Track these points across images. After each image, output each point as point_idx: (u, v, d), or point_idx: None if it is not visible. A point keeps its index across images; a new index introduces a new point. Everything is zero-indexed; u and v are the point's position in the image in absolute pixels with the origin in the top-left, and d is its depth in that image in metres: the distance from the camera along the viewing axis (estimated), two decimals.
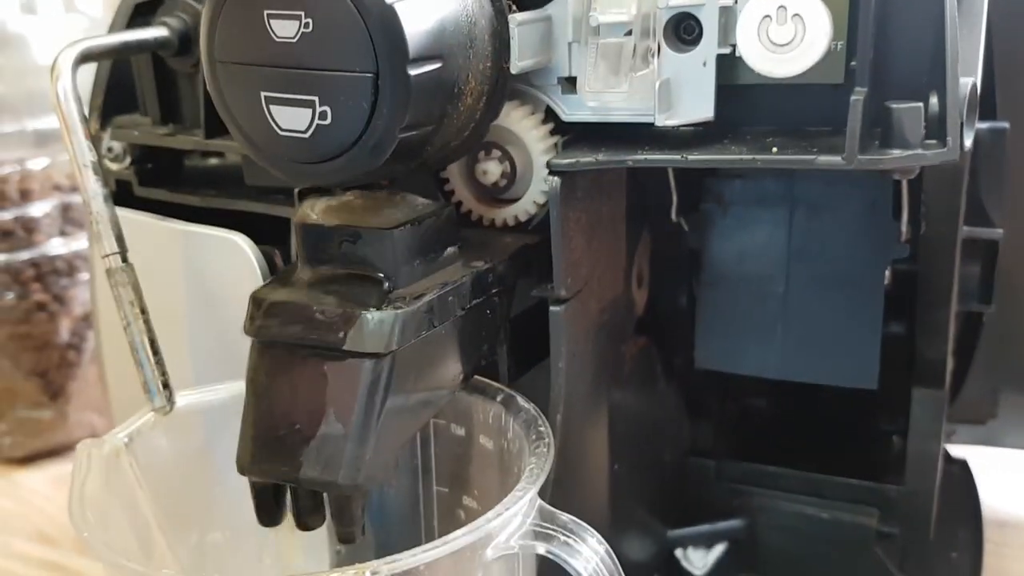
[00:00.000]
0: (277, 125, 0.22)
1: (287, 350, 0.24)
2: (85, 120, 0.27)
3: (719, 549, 0.41)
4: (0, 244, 0.63)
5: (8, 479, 0.66)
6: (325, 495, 0.24)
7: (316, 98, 0.21)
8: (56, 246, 0.64)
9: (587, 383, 0.30)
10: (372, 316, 0.23)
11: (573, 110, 0.26)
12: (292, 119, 0.22)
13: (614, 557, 0.23)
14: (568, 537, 0.23)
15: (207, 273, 0.30)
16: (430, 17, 0.21)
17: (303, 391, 0.23)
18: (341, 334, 0.23)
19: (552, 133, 0.27)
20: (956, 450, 0.54)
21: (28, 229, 0.63)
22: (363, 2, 0.20)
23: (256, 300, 0.24)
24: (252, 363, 0.24)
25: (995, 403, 0.56)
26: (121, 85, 0.35)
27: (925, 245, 0.31)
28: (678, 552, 0.40)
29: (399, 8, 0.21)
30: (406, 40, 0.21)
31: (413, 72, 0.21)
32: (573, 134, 0.27)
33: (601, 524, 0.30)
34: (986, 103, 0.35)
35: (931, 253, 0.32)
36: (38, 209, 0.61)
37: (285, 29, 0.21)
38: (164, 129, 0.33)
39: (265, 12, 0.21)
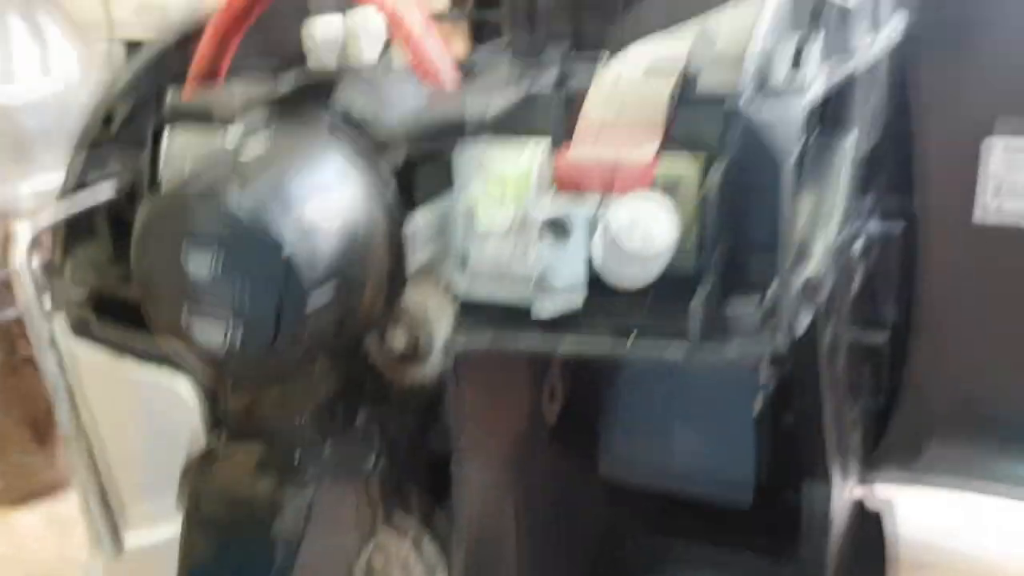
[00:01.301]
0: (198, 339, 0.25)
1: (215, 525, 0.26)
2: (41, 293, 0.29)
3: None
4: None
5: (5, 521, 0.69)
6: None
7: (229, 318, 0.24)
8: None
9: (493, 510, 0.32)
10: (287, 500, 0.26)
11: (468, 290, 0.28)
12: (209, 334, 0.24)
13: None
14: None
15: (152, 416, 0.32)
16: (325, 249, 0.24)
17: (228, 556, 0.26)
18: (265, 517, 0.26)
19: (454, 307, 0.29)
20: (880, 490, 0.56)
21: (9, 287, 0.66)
22: (264, 245, 0.23)
23: (184, 475, 0.27)
24: (184, 533, 0.27)
25: (919, 447, 0.59)
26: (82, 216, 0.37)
27: (794, 393, 0.34)
28: None
29: (295, 249, 0.23)
30: (301, 275, 0.23)
31: (311, 298, 0.24)
32: (467, 310, 0.29)
33: None
34: None
35: (797, 387, 0.35)
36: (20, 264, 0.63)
37: (199, 266, 0.24)
38: (117, 269, 0.35)
39: (181, 251, 0.24)
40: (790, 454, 0.39)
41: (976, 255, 0.52)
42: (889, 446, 0.58)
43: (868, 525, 0.55)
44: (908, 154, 0.50)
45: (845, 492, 0.46)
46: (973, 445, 0.58)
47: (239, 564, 0.26)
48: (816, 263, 0.30)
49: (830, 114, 0.32)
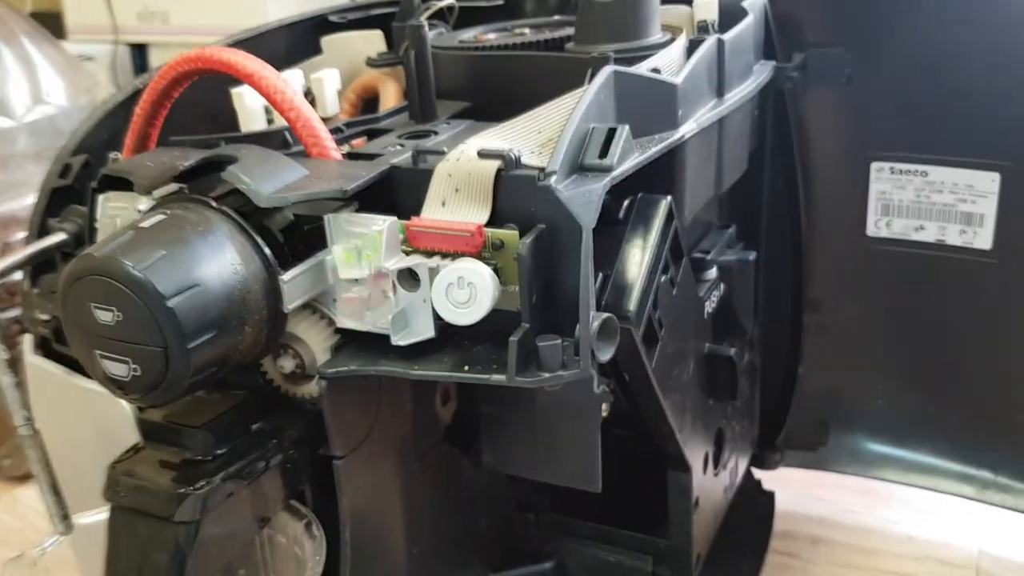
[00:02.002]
0: (107, 372, 0.31)
1: (131, 512, 0.33)
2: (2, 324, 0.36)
3: None
4: None
5: (11, 496, 0.75)
6: None
7: (129, 359, 0.30)
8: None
9: (377, 500, 0.39)
10: (186, 495, 0.32)
11: (340, 323, 0.34)
12: (116, 369, 0.30)
13: None
14: None
15: (96, 422, 0.38)
16: (204, 302, 0.30)
17: (140, 542, 0.32)
18: (167, 507, 0.32)
19: (334, 333, 0.35)
20: (786, 473, 0.62)
21: (11, 292, 0.72)
22: (151, 303, 0.29)
23: (110, 471, 0.33)
24: (110, 517, 0.33)
25: (825, 433, 0.65)
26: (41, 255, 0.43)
27: (631, 391, 0.40)
28: None
29: (177, 306, 0.29)
30: (183, 327, 0.29)
31: (192, 344, 0.30)
32: (347, 335, 0.35)
33: None
34: None
35: (638, 398, 0.40)
36: (18, 274, 0.70)
37: (104, 317, 0.30)
38: None
39: (90, 304, 0.30)
40: (653, 446, 0.45)
41: (866, 266, 0.58)
42: (790, 437, 0.64)
43: (763, 504, 0.61)
44: (787, 179, 0.56)
45: (723, 476, 0.52)
46: (869, 436, 0.64)
47: (148, 542, 0.32)
48: (633, 300, 0.36)
49: (652, 177, 0.37)
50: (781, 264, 0.57)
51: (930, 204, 0.55)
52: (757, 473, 0.63)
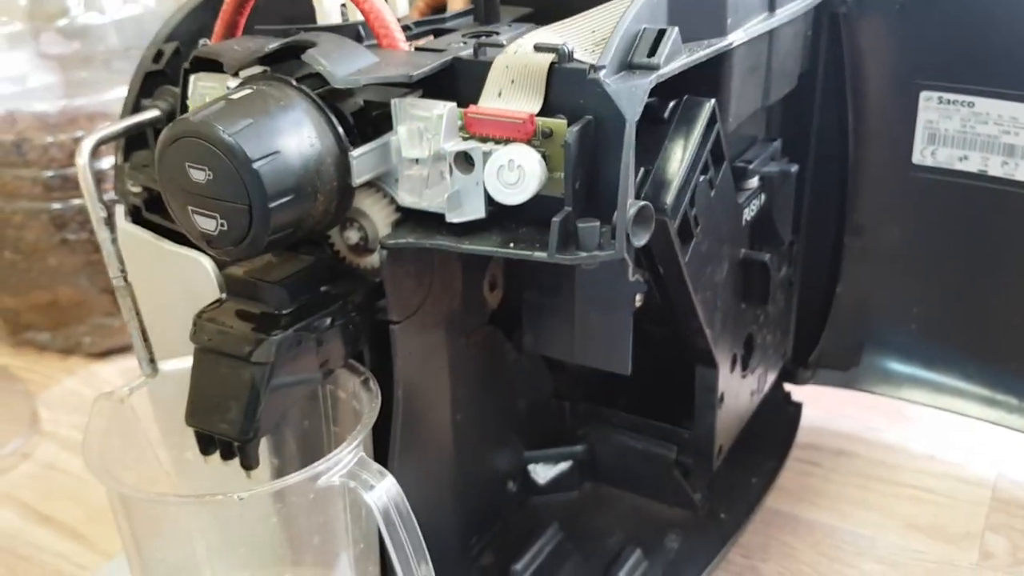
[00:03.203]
0: (198, 226, 0.35)
1: (214, 353, 0.37)
2: (98, 186, 0.40)
3: (563, 465, 0.55)
4: (77, 193, 0.78)
5: (88, 370, 0.82)
6: None
7: (218, 215, 0.34)
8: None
9: (427, 366, 0.43)
10: (262, 340, 0.36)
11: (400, 201, 0.38)
12: (206, 224, 0.35)
13: (402, 496, 0.37)
14: (371, 478, 0.36)
15: (182, 281, 0.43)
16: (284, 169, 0.34)
17: (221, 379, 0.37)
18: (246, 349, 0.36)
19: (395, 211, 0.39)
20: (817, 391, 0.65)
21: (97, 180, 0.78)
22: (239, 165, 0.33)
23: (196, 319, 0.38)
24: (194, 357, 0.38)
25: (858, 354, 0.68)
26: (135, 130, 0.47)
27: (665, 285, 0.43)
28: (530, 466, 0.54)
29: (261, 169, 0.33)
30: (266, 188, 0.33)
31: (272, 205, 0.34)
32: (406, 214, 0.39)
33: (445, 453, 0.44)
34: None
35: (671, 292, 0.44)
36: (105, 163, 0.75)
37: (197, 176, 0.34)
38: None
39: (185, 163, 0.34)
40: (684, 342, 0.49)
41: (910, 193, 0.60)
42: (823, 356, 0.66)
43: (790, 412, 0.64)
44: (837, 101, 0.58)
45: (750, 379, 0.56)
46: (900, 358, 0.66)
47: (226, 384, 0.36)
48: (671, 193, 0.39)
49: (699, 82, 0.40)
50: (826, 185, 0.59)
51: (975, 135, 0.57)
52: (787, 389, 0.66)
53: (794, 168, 0.51)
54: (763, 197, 0.50)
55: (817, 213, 0.60)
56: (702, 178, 0.41)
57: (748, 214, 0.49)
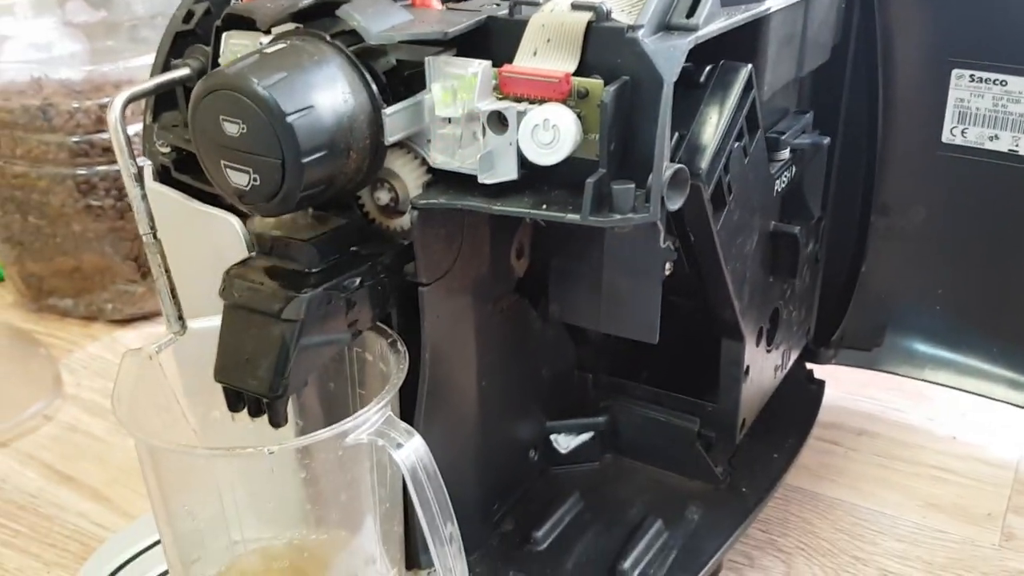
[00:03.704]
0: (230, 181, 0.35)
1: (243, 309, 0.37)
2: (129, 143, 0.40)
3: (585, 436, 0.54)
4: (103, 159, 0.78)
5: (111, 336, 0.82)
6: None
7: (251, 169, 0.34)
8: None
9: (454, 331, 0.42)
10: (293, 297, 0.36)
11: (432, 161, 0.38)
12: (238, 179, 0.34)
13: (430, 456, 0.37)
14: (399, 436, 0.36)
15: (210, 240, 0.43)
16: (318, 124, 0.34)
17: (250, 336, 0.37)
18: (276, 306, 0.36)
19: (426, 173, 0.39)
20: (839, 371, 0.64)
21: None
22: (273, 119, 0.33)
23: (225, 275, 0.38)
24: (223, 314, 0.38)
25: (881, 335, 0.67)
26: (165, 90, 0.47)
27: (695, 253, 0.43)
28: (552, 436, 0.54)
29: (295, 123, 0.33)
30: (299, 143, 0.33)
31: (305, 160, 0.33)
32: (437, 175, 0.38)
33: (470, 418, 0.44)
34: None
35: (701, 261, 0.43)
36: (131, 130, 0.75)
37: (230, 128, 0.33)
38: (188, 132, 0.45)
39: (219, 116, 0.33)
40: (711, 314, 0.48)
41: (938, 172, 0.59)
42: (846, 335, 0.66)
43: (813, 390, 0.64)
44: (868, 77, 0.57)
45: (774, 355, 0.55)
46: (924, 339, 0.66)
47: (257, 336, 0.36)
48: (706, 158, 0.39)
49: (736, 48, 0.39)
50: (854, 162, 0.59)
51: (1006, 114, 0.56)
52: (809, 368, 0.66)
53: (826, 141, 0.50)
54: (794, 169, 0.49)
55: (844, 190, 0.59)
56: (736, 145, 0.40)
57: (779, 185, 0.48)
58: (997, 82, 0.56)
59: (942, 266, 0.61)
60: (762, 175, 0.46)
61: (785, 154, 0.48)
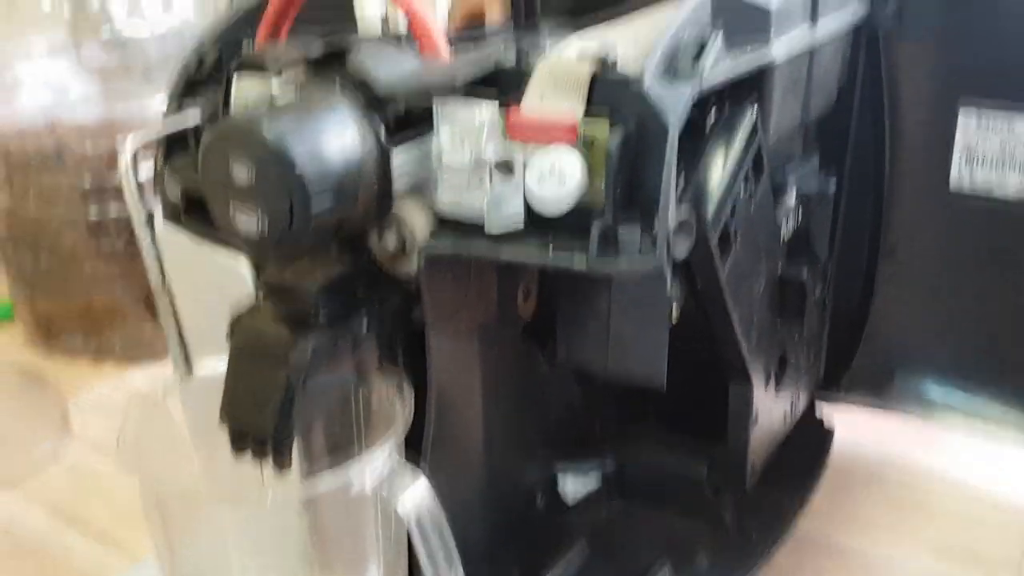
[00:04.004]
0: (239, 225, 0.35)
1: (250, 352, 0.37)
2: (140, 188, 0.40)
3: (592, 481, 0.54)
4: (115, 203, 0.79)
5: (120, 376, 0.82)
6: None
7: (259, 213, 0.34)
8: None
9: (460, 374, 0.42)
10: (299, 340, 0.36)
11: (439, 208, 0.38)
12: (246, 223, 0.35)
13: (436, 503, 0.36)
14: (403, 482, 0.36)
15: (218, 282, 0.43)
16: (327, 170, 0.34)
17: (256, 378, 0.37)
18: (282, 350, 0.36)
19: (433, 217, 0.39)
20: (848, 412, 0.64)
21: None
22: (283, 165, 0.33)
23: (232, 318, 0.38)
24: (229, 356, 0.38)
25: (891, 376, 0.67)
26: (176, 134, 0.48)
27: (701, 297, 0.43)
28: (559, 482, 0.53)
29: (304, 170, 0.33)
30: (308, 189, 0.33)
31: (314, 206, 0.33)
32: (444, 220, 0.38)
33: (476, 461, 0.44)
34: None
35: (707, 305, 0.43)
36: (143, 176, 0.76)
37: (240, 174, 0.34)
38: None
39: (229, 161, 0.34)
40: (719, 358, 0.48)
41: (947, 215, 0.59)
42: (855, 377, 0.65)
43: (822, 437, 0.63)
44: (874, 121, 0.57)
45: (783, 399, 0.55)
46: (934, 381, 0.65)
47: (261, 384, 0.36)
48: (712, 203, 0.39)
49: (739, 95, 0.40)
50: (862, 205, 0.59)
51: (1013, 156, 0.56)
52: (819, 412, 0.65)
53: (832, 187, 0.50)
54: (800, 213, 0.49)
55: (851, 232, 0.59)
56: (742, 189, 0.40)
57: (786, 229, 0.48)
58: (1004, 124, 0.56)
59: (952, 307, 0.61)
60: (768, 219, 0.46)
61: (791, 198, 0.48)
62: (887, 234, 0.60)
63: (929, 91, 0.57)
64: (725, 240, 0.40)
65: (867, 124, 0.57)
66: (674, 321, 0.43)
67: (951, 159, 0.57)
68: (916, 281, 0.61)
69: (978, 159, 0.57)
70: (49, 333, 0.85)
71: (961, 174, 0.58)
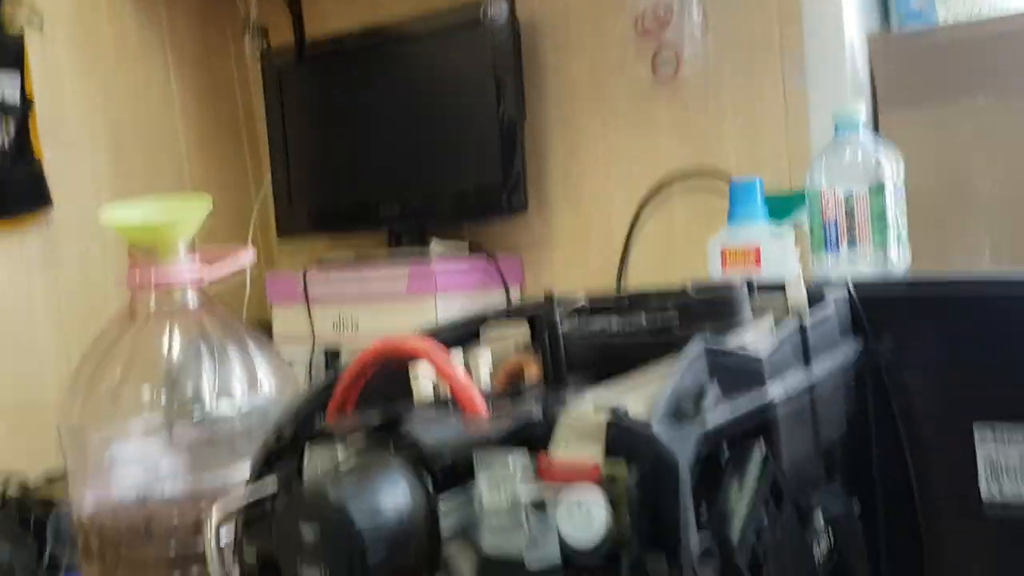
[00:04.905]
0: None
1: None
2: (222, 556, 0.45)
3: None
4: (196, 566, 0.82)
5: None
6: None
7: (323, 567, 0.38)
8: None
9: None
10: None
11: (483, 548, 0.41)
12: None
13: None
14: None
15: None
16: (383, 525, 0.38)
17: None
18: None
19: (478, 559, 0.42)
20: None
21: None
22: (345, 524, 0.38)
23: None
24: None
25: None
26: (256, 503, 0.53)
27: None
28: None
29: (363, 528, 0.38)
30: (366, 544, 0.38)
31: (371, 557, 0.38)
32: (488, 560, 0.42)
33: None
34: None
35: None
36: (223, 540, 0.79)
37: (308, 532, 0.38)
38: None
39: (299, 521, 0.39)
40: None
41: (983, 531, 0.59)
42: None
43: None
44: (892, 442, 0.60)
45: None
46: None
47: None
48: (735, 531, 0.42)
49: (751, 432, 0.45)
50: (899, 534, 0.59)
51: None
52: None
53: (856, 507, 0.53)
54: (832, 536, 0.51)
55: (892, 551, 0.60)
56: (764, 514, 0.44)
57: (818, 551, 0.50)
58: (1020, 435, 0.58)
59: None
60: (796, 542, 0.48)
61: (818, 522, 0.50)
62: (927, 556, 0.60)
63: (940, 411, 0.59)
64: (755, 564, 0.43)
65: (887, 447, 0.60)
66: None
67: (978, 474, 0.59)
68: None
69: (1001, 471, 0.59)
70: None
71: (990, 488, 0.59)
